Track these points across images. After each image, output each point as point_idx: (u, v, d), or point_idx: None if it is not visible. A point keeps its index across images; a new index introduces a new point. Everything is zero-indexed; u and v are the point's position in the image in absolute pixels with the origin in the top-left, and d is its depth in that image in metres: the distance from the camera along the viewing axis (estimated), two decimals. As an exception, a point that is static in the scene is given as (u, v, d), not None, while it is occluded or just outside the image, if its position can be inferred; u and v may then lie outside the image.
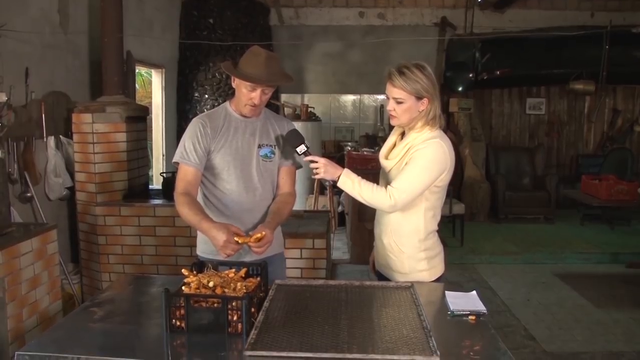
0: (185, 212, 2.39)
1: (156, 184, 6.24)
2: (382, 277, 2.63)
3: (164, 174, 5.08)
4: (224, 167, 2.51)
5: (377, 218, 2.63)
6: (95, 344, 1.86)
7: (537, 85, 9.19)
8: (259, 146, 2.57)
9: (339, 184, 2.39)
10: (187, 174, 2.47)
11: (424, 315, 1.98)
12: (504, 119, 9.37)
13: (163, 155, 7.42)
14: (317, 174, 2.40)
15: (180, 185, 2.47)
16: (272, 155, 2.60)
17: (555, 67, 8.37)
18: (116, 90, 4.94)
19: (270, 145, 2.59)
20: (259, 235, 2.30)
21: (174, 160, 2.52)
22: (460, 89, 8.59)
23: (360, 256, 5.99)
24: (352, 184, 2.37)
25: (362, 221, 6.00)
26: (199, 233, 2.66)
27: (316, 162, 2.40)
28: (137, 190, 4.88)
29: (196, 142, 2.47)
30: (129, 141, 4.73)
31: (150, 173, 5.87)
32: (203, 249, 2.63)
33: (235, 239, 2.25)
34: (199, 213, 2.37)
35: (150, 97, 7.82)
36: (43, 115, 4.54)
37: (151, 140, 7.28)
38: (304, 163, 2.56)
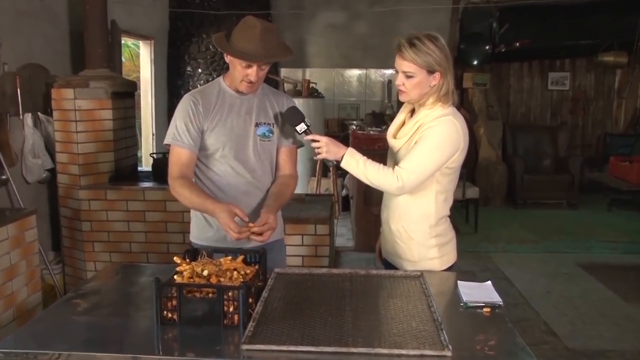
0: (185, 195, 2.41)
1: (145, 165, 6.25)
2: (389, 265, 2.65)
3: (154, 155, 5.09)
4: (218, 148, 2.52)
5: (384, 202, 2.64)
6: (78, 338, 1.87)
7: (560, 57, 9.13)
8: (256, 125, 2.57)
9: (343, 165, 2.40)
10: (180, 156, 2.48)
11: (435, 307, 1.99)
12: (523, 95, 9.34)
13: (153, 135, 7.42)
14: (319, 154, 2.41)
15: (174, 168, 2.48)
16: (271, 135, 2.60)
17: (582, 38, 8.26)
18: (100, 63, 4.93)
19: (269, 124, 2.60)
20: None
21: (165, 142, 2.53)
22: (475, 62, 8.55)
23: (366, 243, 6.01)
24: (356, 164, 2.38)
25: (368, 205, 6.01)
26: (192, 218, 2.68)
27: (318, 141, 2.40)
28: (124, 172, 4.89)
29: (188, 122, 2.48)
30: (116, 119, 4.73)
31: (139, 154, 5.89)
32: (197, 235, 2.65)
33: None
34: (201, 194, 2.40)
35: (138, 71, 7.80)
36: (18, 90, 4.53)
37: (140, 119, 7.28)
38: (306, 141, 2.57)
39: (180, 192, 2.43)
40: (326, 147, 2.39)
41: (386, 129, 2.73)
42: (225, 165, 2.54)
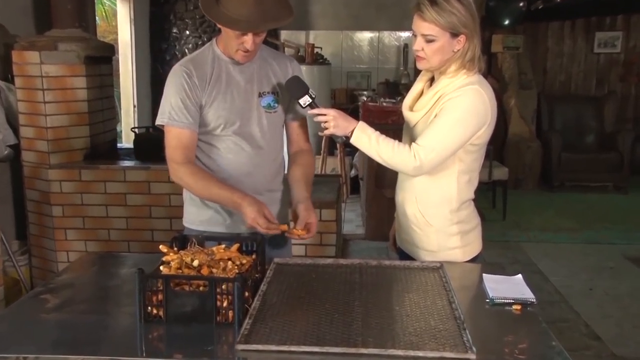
0: (199, 186, 2.45)
1: (126, 141, 6.29)
2: (404, 255, 2.68)
3: (136, 130, 5.10)
4: (219, 124, 2.53)
5: (399, 183, 2.66)
6: (48, 339, 1.88)
7: (611, 14, 8.97)
8: (260, 95, 2.58)
9: (353, 141, 2.41)
10: (181, 138, 2.48)
11: (456, 303, 2.02)
12: (563, 61, 9.28)
13: (134, 106, 7.40)
14: (326, 129, 2.42)
15: (176, 153, 2.47)
16: (276, 105, 2.62)
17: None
18: (71, 22, 4.90)
19: (273, 93, 2.61)
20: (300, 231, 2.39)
21: (158, 122, 2.52)
22: (506, 22, 8.49)
23: (378, 230, 6.04)
24: (368, 140, 2.39)
25: (380, 187, 6.03)
26: (186, 200, 2.70)
27: (324, 114, 2.41)
28: (102, 149, 4.91)
29: (185, 97, 2.46)
30: (90, 88, 4.74)
31: (118, 128, 5.91)
32: (192, 219, 2.68)
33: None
34: (222, 186, 2.43)
35: (116, 33, 7.79)
36: (-30, 51, 4.53)
37: (119, 88, 7.28)
38: (311, 115, 2.58)
39: (192, 182, 2.46)
40: (334, 121, 2.40)
41: (401, 101, 2.73)
42: (228, 142, 2.56)
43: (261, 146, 2.60)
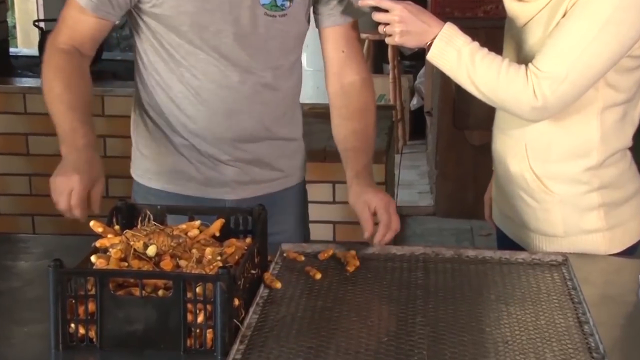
0: (55, 89, 2.40)
1: (24, 45, 6.30)
2: (504, 240, 2.71)
3: (42, 24, 5.12)
4: (182, 28, 2.50)
5: (497, 122, 2.66)
6: None
7: None
8: None
9: (432, 57, 2.39)
10: (81, 20, 2.48)
11: (592, 324, 2.01)
12: None
13: (36, -15, 7.43)
14: (389, 35, 2.39)
15: (62, 33, 2.50)
16: (286, 3, 2.56)
17: None
18: None
19: None
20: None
21: None
22: None
23: (457, 200, 6.05)
24: (457, 57, 2.36)
25: (461, 128, 6.02)
26: (136, 125, 2.70)
27: (386, 11, 2.37)
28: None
29: None
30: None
31: (9, 21, 5.90)
32: (144, 167, 2.69)
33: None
34: (73, 106, 2.38)
35: None
36: None
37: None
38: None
39: (54, 77, 2.43)
40: (402, 25, 2.36)
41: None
42: (196, 59, 2.54)
43: (251, 70, 2.57)
